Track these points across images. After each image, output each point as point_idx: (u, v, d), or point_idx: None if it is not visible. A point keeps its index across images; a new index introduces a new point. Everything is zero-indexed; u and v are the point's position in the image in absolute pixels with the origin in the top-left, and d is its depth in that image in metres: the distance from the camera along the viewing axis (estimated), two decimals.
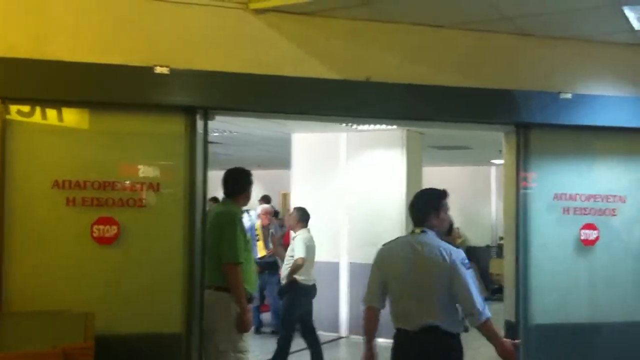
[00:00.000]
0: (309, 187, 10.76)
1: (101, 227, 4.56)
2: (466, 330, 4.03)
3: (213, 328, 5.15)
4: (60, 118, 4.58)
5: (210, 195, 6.18)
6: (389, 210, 9.41)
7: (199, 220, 4.78)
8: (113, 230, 4.58)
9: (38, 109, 4.54)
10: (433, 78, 5.16)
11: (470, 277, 3.87)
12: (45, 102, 4.54)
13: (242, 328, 5.19)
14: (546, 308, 5.28)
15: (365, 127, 9.92)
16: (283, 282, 7.65)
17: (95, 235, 4.55)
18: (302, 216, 7.74)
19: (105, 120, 4.68)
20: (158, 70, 4.62)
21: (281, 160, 11.87)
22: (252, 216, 10.09)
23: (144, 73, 4.59)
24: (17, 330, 3.94)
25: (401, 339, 4.03)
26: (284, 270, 7.68)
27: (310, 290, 7.63)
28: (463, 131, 9.46)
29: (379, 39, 5.16)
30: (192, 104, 4.74)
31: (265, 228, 9.96)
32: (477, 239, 14.73)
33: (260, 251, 9.79)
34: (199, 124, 4.79)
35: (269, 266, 9.82)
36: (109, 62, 4.56)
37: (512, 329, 5.27)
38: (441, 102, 5.17)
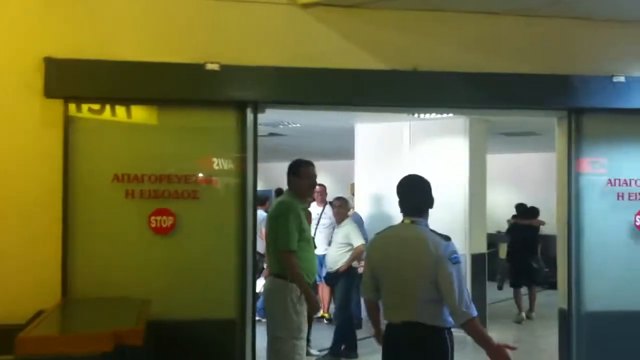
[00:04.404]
0: (373, 177, 10.81)
1: (158, 218, 4.78)
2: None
3: (270, 314, 5.31)
4: (119, 115, 4.83)
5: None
6: (452, 199, 9.35)
7: (250, 209, 4.94)
8: (169, 220, 4.80)
9: (98, 108, 4.80)
10: (484, 66, 5.14)
11: (456, 273, 3.60)
12: (104, 100, 4.78)
13: (311, 310, 5.29)
14: (599, 295, 5.19)
15: (428, 115, 9.87)
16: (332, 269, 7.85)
17: (152, 225, 4.78)
18: (347, 204, 8.20)
19: (161, 116, 4.92)
20: (209, 67, 4.79)
21: (349, 151, 11.94)
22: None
23: (196, 70, 4.77)
24: (78, 315, 4.22)
25: (389, 332, 3.85)
26: (335, 257, 7.86)
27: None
28: (531, 117, 9.31)
29: (429, 28, 5.17)
30: (241, 98, 4.91)
31: None
32: (546, 228, 14.19)
33: None
34: (249, 117, 4.95)
35: None
36: (164, 61, 4.77)
37: (564, 316, 5.23)
38: (492, 89, 5.15)
